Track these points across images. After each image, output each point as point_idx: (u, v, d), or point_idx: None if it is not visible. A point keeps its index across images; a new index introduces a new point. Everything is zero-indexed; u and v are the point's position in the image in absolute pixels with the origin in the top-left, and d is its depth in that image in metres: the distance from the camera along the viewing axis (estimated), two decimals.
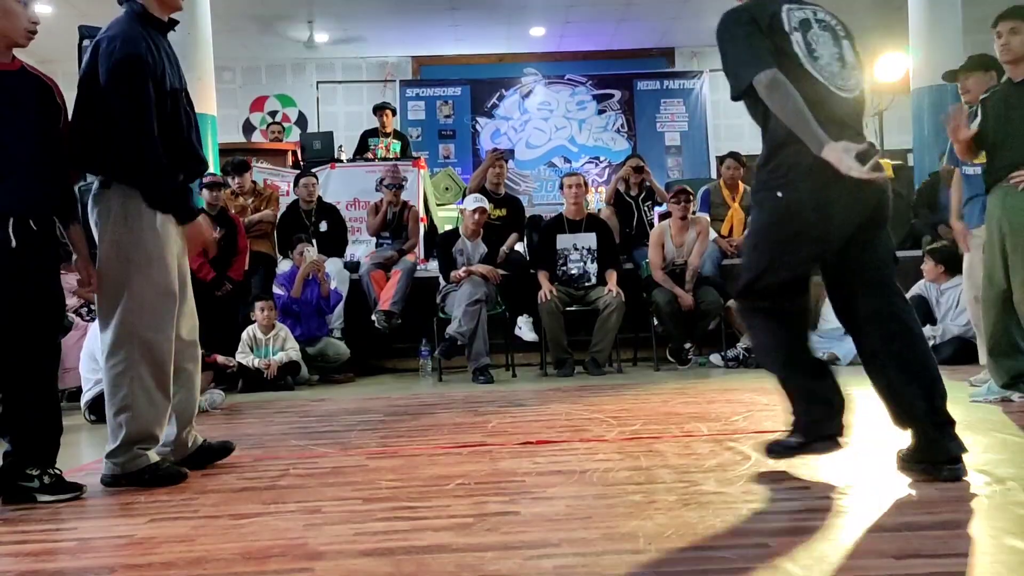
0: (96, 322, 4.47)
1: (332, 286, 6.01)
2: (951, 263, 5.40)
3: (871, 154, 2.13)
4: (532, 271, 5.93)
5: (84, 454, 3.47)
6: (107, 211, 2.63)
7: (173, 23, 2.80)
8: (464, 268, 5.61)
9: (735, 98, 2.37)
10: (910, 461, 2.36)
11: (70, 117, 2.66)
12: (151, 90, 2.61)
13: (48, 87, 2.59)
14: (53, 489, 2.49)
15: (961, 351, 5.14)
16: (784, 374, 2.48)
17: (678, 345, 5.80)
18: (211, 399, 4.48)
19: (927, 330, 5.38)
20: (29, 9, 2.54)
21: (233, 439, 3.07)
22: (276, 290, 5.87)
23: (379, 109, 8.39)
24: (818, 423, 2.44)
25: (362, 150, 8.20)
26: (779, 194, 2.32)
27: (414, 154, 8.79)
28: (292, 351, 5.53)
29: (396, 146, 8.15)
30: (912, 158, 8.42)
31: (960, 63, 4.22)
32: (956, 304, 5.34)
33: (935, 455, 2.28)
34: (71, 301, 5.33)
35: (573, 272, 5.79)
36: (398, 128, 8.48)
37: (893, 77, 10.05)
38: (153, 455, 2.70)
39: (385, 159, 7.80)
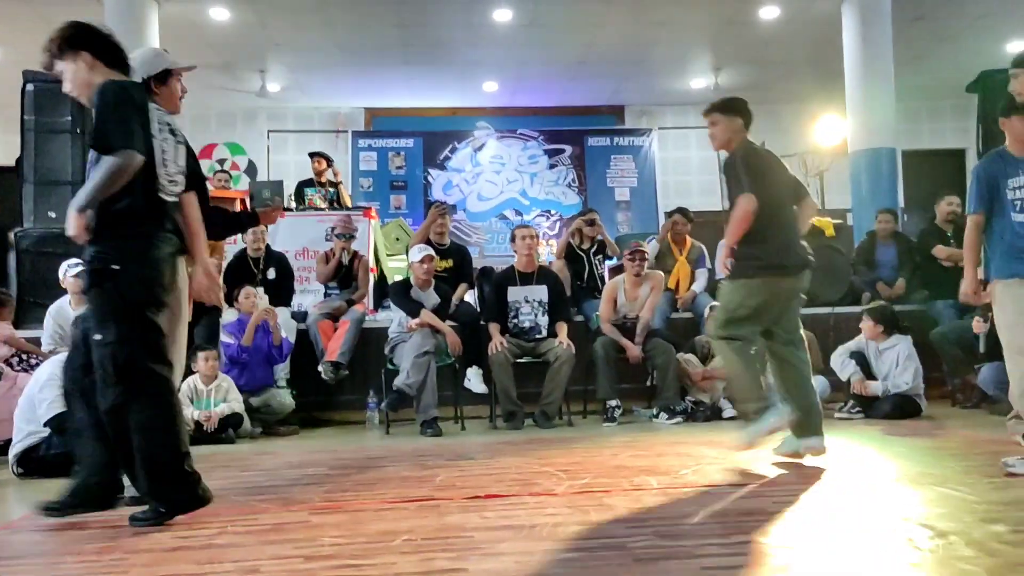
0: (35, 371, 4.30)
1: (282, 335, 5.91)
2: (889, 323, 5.54)
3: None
4: (482, 323, 5.92)
5: (12, 510, 3.31)
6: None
7: None
8: (420, 321, 5.52)
9: (92, 146, 2.73)
10: None
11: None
12: None
13: None
14: None
15: (900, 407, 5.29)
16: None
17: (605, 397, 5.68)
18: None
19: (877, 384, 5.46)
20: None
21: None
22: (224, 338, 5.73)
23: (314, 155, 8.49)
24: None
25: (299, 199, 8.23)
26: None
27: (364, 204, 8.77)
28: (235, 402, 5.38)
29: (332, 194, 8.21)
30: (851, 217, 8.72)
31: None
32: (897, 363, 5.44)
33: None
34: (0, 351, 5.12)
35: (524, 324, 5.79)
36: (332, 179, 8.55)
37: (832, 141, 10.48)
38: None
39: (318, 208, 7.86)
